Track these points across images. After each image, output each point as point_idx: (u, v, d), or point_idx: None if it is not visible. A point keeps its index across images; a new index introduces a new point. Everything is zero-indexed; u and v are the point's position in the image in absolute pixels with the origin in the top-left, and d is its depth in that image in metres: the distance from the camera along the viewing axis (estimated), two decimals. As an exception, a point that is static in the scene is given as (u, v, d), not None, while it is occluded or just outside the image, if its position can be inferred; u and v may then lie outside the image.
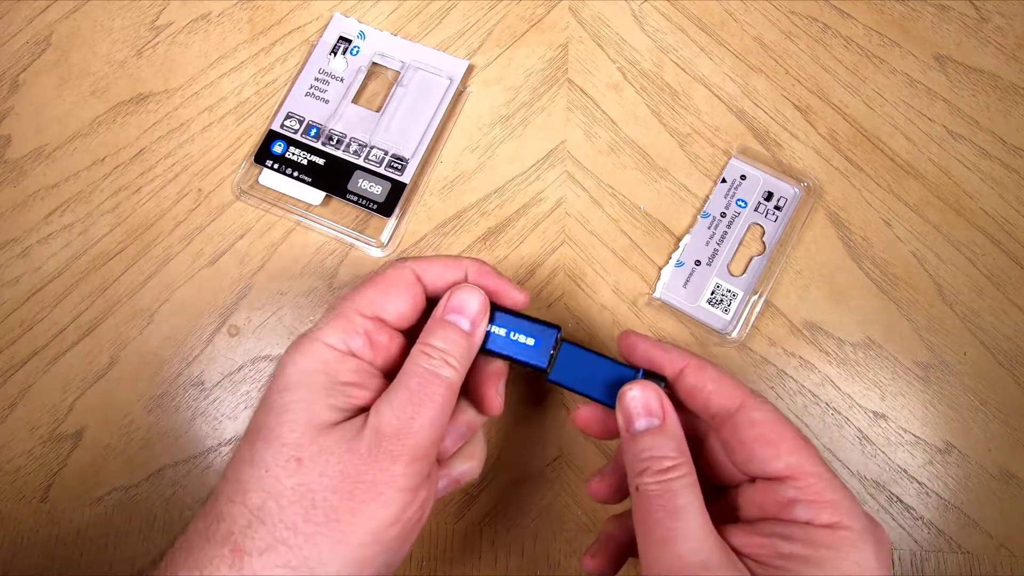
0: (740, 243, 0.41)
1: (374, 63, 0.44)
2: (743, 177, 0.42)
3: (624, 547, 0.32)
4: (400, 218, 0.42)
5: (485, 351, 0.31)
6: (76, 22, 0.46)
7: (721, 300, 0.40)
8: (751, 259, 0.41)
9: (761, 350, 0.40)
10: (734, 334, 0.40)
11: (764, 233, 0.41)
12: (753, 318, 0.40)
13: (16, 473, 0.39)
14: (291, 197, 0.42)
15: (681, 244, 0.41)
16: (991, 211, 0.42)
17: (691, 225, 0.42)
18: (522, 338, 0.31)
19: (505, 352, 0.31)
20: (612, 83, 0.44)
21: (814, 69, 0.44)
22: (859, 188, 0.42)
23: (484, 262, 0.33)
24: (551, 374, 0.31)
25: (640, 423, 0.28)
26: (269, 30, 0.46)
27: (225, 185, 0.43)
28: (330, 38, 0.45)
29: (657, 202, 0.42)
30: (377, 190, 0.42)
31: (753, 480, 0.28)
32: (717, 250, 0.41)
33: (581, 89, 0.44)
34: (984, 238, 0.41)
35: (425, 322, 0.31)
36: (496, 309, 0.31)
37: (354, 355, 0.29)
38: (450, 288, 0.31)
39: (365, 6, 0.46)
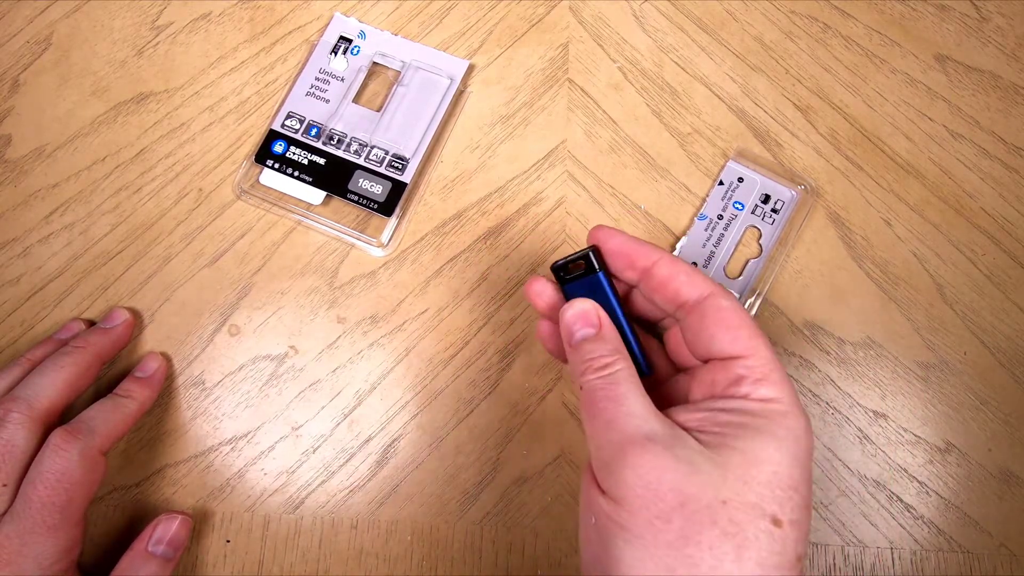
0: (737, 246, 0.41)
1: (375, 63, 0.45)
2: (740, 180, 0.42)
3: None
4: (401, 218, 0.42)
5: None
6: (76, 22, 0.46)
7: None
8: (747, 262, 0.41)
9: (761, 350, 0.40)
10: None
11: (761, 236, 0.41)
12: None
13: (17, 473, 0.39)
14: (292, 197, 0.42)
15: (678, 246, 0.41)
16: (991, 211, 0.42)
17: (688, 227, 0.42)
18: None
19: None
20: (612, 83, 0.44)
21: (814, 69, 0.44)
22: (859, 188, 0.42)
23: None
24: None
25: (579, 334, 0.30)
26: (270, 30, 0.46)
27: (226, 185, 0.43)
28: (331, 38, 0.45)
29: (657, 202, 0.42)
30: (378, 190, 0.42)
31: (706, 362, 0.29)
32: (714, 252, 0.41)
33: (581, 89, 0.44)
34: (984, 238, 0.41)
35: None
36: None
37: None
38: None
39: (366, 6, 0.46)
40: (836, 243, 0.41)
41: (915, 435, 0.39)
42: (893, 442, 0.39)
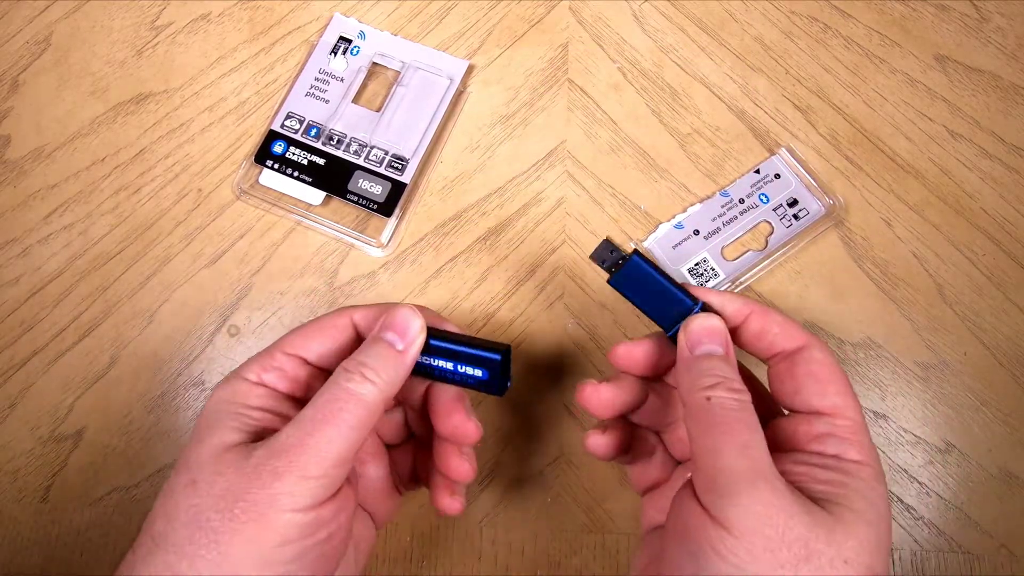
0: (745, 233, 0.41)
1: (374, 63, 0.44)
2: (777, 176, 0.42)
3: (625, 444, 0.32)
4: (400, 218, 0.42)
5: (433, 378, 0.31)
6: (76, 22, 0.46)
7: (702, 274, 0.40)
8: (747, 251, 0.41)
9: (761, 350, 0.40)
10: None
11: (771, 233, 0.41)
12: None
13: (16, 473, 0.39)
14: (291, 197, 0.42)
15: (689, 209, 0.42)
16: (991, 211, 0.42)
17: (708, 196, 0.42)
18: (469, 371, 0.30)
19: (455, 381, 0.30)
20: (612, 83, 0.44)
21: (814, 69, 0.44)
22: (859, 188, 0.42)
23: (426, 308, 0.33)
24: (612, 280, 0.31)
25: (705, 348, 0.29)
26: (269, 30, 0.46)
27: (225, 185, 0.43)
28: (330, 38, 0.45)
29: (657, 202, 0.42)
30: (377, 190, 0.42)
31: (787, 414, 0.29)
32: (720, 229, 0.41)
33: (581, 89, 0.44)
34: (984, 238, 0.41)
35: None
36: (433, 337, 0.30)
37: (265, 385, 0.29)
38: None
39: (365, 6, 0.46)
40: (836, 243, 0.41)
41: (915, 436, 0.39)
42: (893, 443, 0.39)
